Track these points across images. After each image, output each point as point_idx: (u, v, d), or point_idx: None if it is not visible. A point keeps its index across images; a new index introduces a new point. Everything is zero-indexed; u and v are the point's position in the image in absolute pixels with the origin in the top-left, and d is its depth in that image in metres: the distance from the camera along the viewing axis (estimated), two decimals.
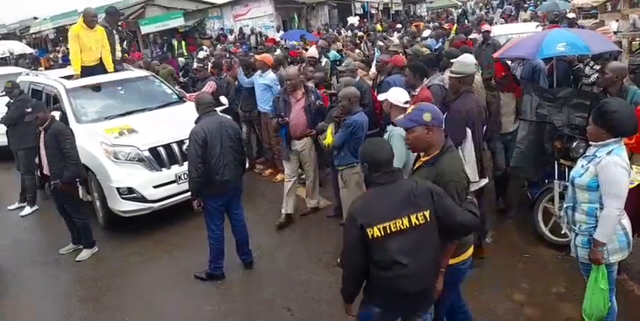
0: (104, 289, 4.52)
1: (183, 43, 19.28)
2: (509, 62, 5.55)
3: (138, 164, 5.37)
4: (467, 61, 4.18)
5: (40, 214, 6.44)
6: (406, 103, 3.66)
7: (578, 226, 2.86)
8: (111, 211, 5.42)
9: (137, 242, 5.33)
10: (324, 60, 8.66)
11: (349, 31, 17.60)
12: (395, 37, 13.53)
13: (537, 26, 9.78)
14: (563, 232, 4.16)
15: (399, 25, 18.38)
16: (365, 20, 23.40)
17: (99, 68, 6.91)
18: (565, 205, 3.02)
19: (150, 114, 6.27)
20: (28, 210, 6.48)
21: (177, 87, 8.58)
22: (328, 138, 4.54)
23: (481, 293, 3.90)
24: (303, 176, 5.66)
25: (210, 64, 9.20)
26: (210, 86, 7.81)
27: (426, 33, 11.90)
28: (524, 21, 16.24)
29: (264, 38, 17.64)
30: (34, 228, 6.18)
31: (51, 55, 20.18)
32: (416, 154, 2.89)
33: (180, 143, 5.53)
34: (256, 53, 9.29)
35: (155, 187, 5.39)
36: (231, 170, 4.24)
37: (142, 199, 5.33)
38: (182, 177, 5.44)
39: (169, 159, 5.51)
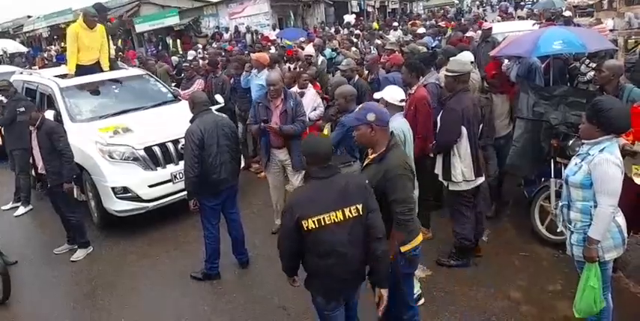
0: (99, 289, 4.50)
1: (178, 41, 19.21)
2: (506, 61, 5.55)
3: (133, 163, 5.33)
4: (463, 59, 4.17)
5: (35, 214, 6.40)
6: (402, 101, 3.64)
7: (574, 224, 2.86)
8: (106, 211, 5.39)
9: (132, 242, 5.31)
10: (320, 58, 8.64)
11: (345, 30, 17.56)
12: (392, 36, 13.53)
13: (534, 24, 9.79)
14: (559, 230, 4.17)
15: (395, 23, 18.35)
16: (361, 18, 23.36)
17: (95, 67, 6.87)
18: (560, 204, 3.02)
19: (145, 113, 6.23)
20: (22, 210, 6.44)
21: (173, 85, 8.54)
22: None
23: (477, 291, 3.90)
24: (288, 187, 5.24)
25: (196, 63, 9.19)
26: (199, 84, 7.79)
27: (421, 30, 11.89)
28: (520, 18, 16.24)
29: (259, 36, 17.58)
30: (29, 228, 6.14)
31: (45, 54, 20.05)
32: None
33: (175, 142, 5.50)
34: (253, 52, 9.27)
35: (150, 186, 5.36)
36: (228, 169, 4.22)
37: (137, 198, 5.30)
38: (177, 176, 5.41)
39: (165, 158, 5.48)
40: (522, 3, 27.70)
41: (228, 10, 22.26)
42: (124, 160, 5.32)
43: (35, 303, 4.39)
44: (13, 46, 20.49)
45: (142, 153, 5.36)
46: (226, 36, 19.79)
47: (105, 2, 14.28)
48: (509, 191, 5.31)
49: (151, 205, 5.38)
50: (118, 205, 5.26)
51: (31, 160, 5.33)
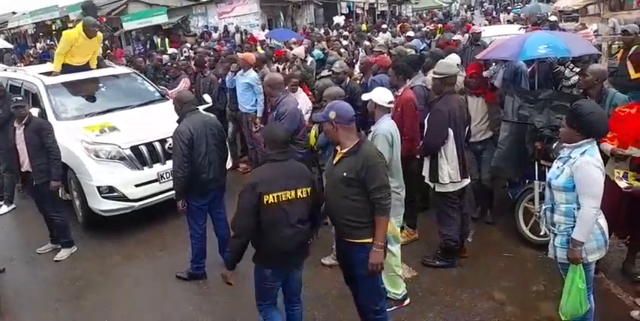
0: (83, 289, 4.45)
1: (166, 40, 19.05)
2: (493, 64, 5.61)
3: (119, 163, 5.28)
4: (450, 62, 4.21)
5: (18, 212, 6.31)
6: (390, 103, 3.67)
7: (557, 227, 2.90)
8: (91, 211, 5.33)
9: (117, 241, 5.26)
10: (309, 59, 8.65)
11: (334, 31, 17.59)
12: (380, 38, 13.58)
13: (520, 28, 9.91)
14: (542, 232, 4.23)
15: (384, 26, 18.44)
16: (350, 20, 23.43)
17: (82, 66, 6.78)
18: (544, 207, 3.07)
19: (132, 112, 6.18)
20: (4, 209, 6.34)
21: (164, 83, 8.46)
22: (311, 139, 4.54)
23: (463, 292, 3.94)
24: None
25: (184, 62, 9.13)
26: (184, 82, 7.75)
27: (410, 33, 11.96)
28: (509, 22, 16.44)
29: (248, 36, 17.53)
30: (11, 227, 6.05)
31: (30, 51, 19.75)
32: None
33: (162, 142, 5.46)
34: (241, 52, 9.25)
35: (137, 185, 5.32)
36: (216, 169, 4.21)
37: (123, 198, 5.25)
38: (164, 176, 5.38)
39: (151, 157, 5.44)
40: (509, 7, 28.04)
41: (217, 10, 22.15)
42: (110, 159, 5.27)
43: (18, 303, 4.32)
44: (0, 43, 20.16)
45: (129, 152, 5.31)
46: (215, 35, 19.69)
47: (92, 0, 14.15)
48: (491, 197, 5.36)
49: (137, 204, 5.33)
50: (103, 205, 5.21)
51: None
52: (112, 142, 5.31)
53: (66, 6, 22.92)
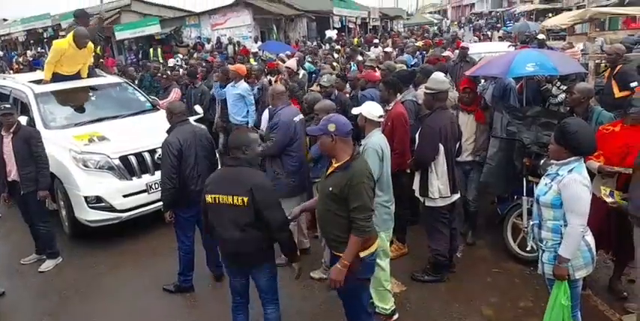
0: (69, 301, 4.37)
1: (159, 50, 19.08)
2: (482, 81, 5.69)
3: (107, 173, 5.24)
4: (442, 77, 4.26)
5: (3, 222, 6.20)
6: (380, 117, 3.69)
7: (545, 243, 2.93)
8: (77, 221, 5.26)
9: (104, 253, 5.18)
10: (301, 72, 8.71)
11: (327, 45, 17.76)
12: (372, 52, 13.73)
13: (509, 46, 10.10)
14: (528, 248, 4.26)
15: (376, 40, 18.66)
16: (343, 34, 23.67)
17: (73, 76, 6.74)
18: (531, 223, 3.09)
19: (121, 121, 6.15)
20: None
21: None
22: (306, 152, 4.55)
23: (451, 307, 3.93)
24: None
25: (176, 73, 9.16)
26: (175, 93, 7.76)
27: (388, 49, 12.04)
28: (500, 39, 16.74)
29: (241, 48, 17.63)
30: None
31: (20, 59, 19.64)
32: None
33: (152, 152, 5.43)
34: (233, 63, 9.30)
35: (125, 196, 5.27)
36: (205, 180, 4.17)
37: (111, 208, 5.19)
38: (153, 186, 5.34)
39: (140, 168, 5.40)
40: (498, 25, 28.55)
41: (210, 21, 22.29)
42: (99, 168, 5.22)
43: (1, 315, 4.23)
44: None
45: (117, 162, 5.27)
46: (208, 47, 19.78)
47: (86, 8, 14.14)
48: (482, 209, 5.40)
49: (124, 215, 5.28)
50: (90, 215, 5.14)
51: None
52: (101, 152, 5.27)
53: (58, 14, 22.94)
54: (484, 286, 4.22)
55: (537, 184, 3.75)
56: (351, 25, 26.43)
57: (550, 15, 20.33)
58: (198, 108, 6.93)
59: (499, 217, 4.81)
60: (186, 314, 4.09)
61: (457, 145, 4.24)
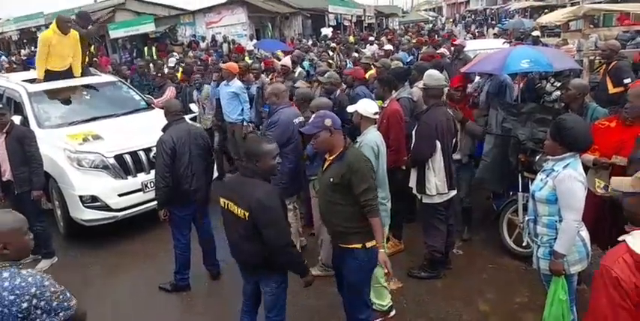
0: None
1: (153, 49, 19.00)
2: (477, 78, 5.69)
3: (102, 172, 5.22)
4: (438, 74, 4.26)
5: None
6: (375, 114, 3.69)
7: (540, 238, 2.94)
8: (72, 220, 5.24)
9: (99, 252, 5.17)
10: (298, 69, 8.68)
11: (322, 42, 17.73)
12: (367, 50, 13.73)
13: (503, 43, 10.11)
14: (524, 243, 4.27)
15: (371, 38, 18.64)
16: (338, 32, 23.64)
17: (66, 73, 6.71)
18: (527, 218, 3.10)
19: (116, 120, 6.13)
20: None
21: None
22: None
23: (448, 303, 3.95)
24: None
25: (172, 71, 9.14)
26: (170, 91, 7.74)
27: (387, 46, 12.08)
28: (495, 37, 16.75)
29: (236, 46, 17.58)
30: None
31: (13, 58, 19.52)
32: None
33: (147, 151, 5.41)
34: (228, 61, 9.27)
35: (120, 195, 5.25)
36: (200, 179, 4.17)
37: (106, 207, 5.18)
38: (148, 185, 5.32)
39: (136, 167, 5.38)
40: (493, 22, 28.58)
41: (205, 19, 22.20)
42: (94, 168, 5.21)
43: None
44: None
45: (112, 161, 5.26)
46: (203, 45, 19.70)
47: (79, 7, 14.10)
48: (478, 205, 5.41)
49: (120, 214, 5.26)
50: (85, 215, 5.13)
51: None
52: (96, 151, 5.25)
53: (51, 13, 22.77)
54: (480, 282, 4.24)
55: (533, 180, 3.77)
56: (347, 23, 26.35)
57: (546, 11, 20.35)
58: (193, 106, 6.91)
59: (495, 213, 4.82)
60: (183, 313, 4.08)
61: (453, 142, 4.24)
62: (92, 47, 7.78)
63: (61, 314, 2.04)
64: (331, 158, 3.02)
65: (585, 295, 3.83)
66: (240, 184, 2.87)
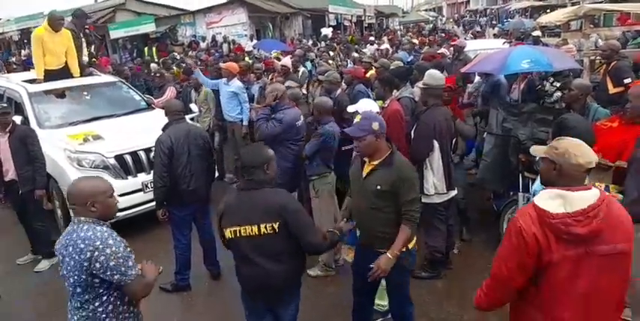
0: (64, 301, 4.33)
1: (153, 49, 19.01)
2: (477, 78, 5.68)
3: (103, 172, 5.21)
4: (438, 73, 4.26)
5: None
6: (377, 113, 3.69)
7: None
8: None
9: None
10: (301, 69, 8.69)
11: (322, 42, 17.74)
12: (367, 50, 13.73)
13: (504, 43, 10.11)
14: None
15: (371, 38, 18.65)
16: (338, 32, 23.66)
17: (64, 72, 6.72)
18: None
19: (116, 120, 6.13)
20: None
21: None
22: None
23: (449, 303, 3.95)
24: None
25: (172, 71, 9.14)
26: (171, 91, 7.75)
27: (385, 45, 12.10)
28: (495, 37, 16.75)
29: (236, 46, 17.59)
30: None
31: (13, 58, 19.53)
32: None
33: (147, 151, 5.41)
34: (226, 61, 9.27)
35: (120, 195, 5.22)
36: (199, 179, 4.16)
37: None
38: (149, 185, 5.32)
39: (136, 167, 5.39)
40: (494, 22, 28.60)
41: (205, 20, 22.21)
42: (94, 168, 5.21)
43: None
44: None
45: (113, 161, 5.26)
46: (203, 45, 19.71)
47: (80, 7, 14.08)
48: (478, 205, 5.41)
49: (120, 214, 5.23)
50: None
51: None
52: (96, 151, 5.26)
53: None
54: (480, 282, 4.22)
55: (533, 180, 3.76)
56: (347, 23, 26.39)
57: (547, 11, 20.35)
58: (193, 106, 6.91)
59: (495, 214, 4.82)
60: (184, 313, 4.08)
61: (453, 142, 4.24)
62: (92, 47, 7.79)
63: (116, 277, 2.21)
64: (374, 163, 2.89)
65: None
66: (250, 201, 2.57)
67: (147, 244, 5.28)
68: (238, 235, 2.55)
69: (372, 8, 31.03)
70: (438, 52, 9.41)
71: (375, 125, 2.83)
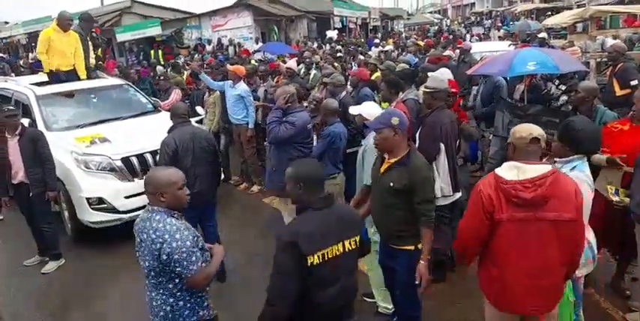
0: (71, 302, 4.38)
1: (160, 52, 19.12)
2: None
3: (109, 174, 5.25)
4: (440, 76, 4.25)
5: (5, 225, 6.22)
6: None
7: None
8: (79, 222, 5.27)
9: (106, 253, 5.19)
10: (312, 72, 8.71)
11: (327, 45, 17.76)
12: (372, 52, 13.73)
13: (510, 45, 10.09)
14: None
15: (376, 40, 18.67)
16: (343, 34, 23.69)
17: (72, 74, 6.78)
18: None
19: (123, 123, 6.17)
20: None
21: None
22: None
23: (453, 304, 3.93)
24: None
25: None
26: (176, 94, 7.78)
27: (388, 47, 12.11)
28: (500, 39, 16.71)
29: (241, 49, 17.66)
30: None
31: (21, 61, 19.68)
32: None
33: (154, 153, 5.42)
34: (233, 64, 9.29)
35: (127, 197, 5.28)
36: (204, 182, 4.17)
37: (113, 209, 5.20)
38: None
39: (142, 169, 5.41)
40: (499, 24, 28.53)
41: (211, 23, 22.30)
42: (100, 170, 5.24)
43: (4, 316, 4.24)
44: None
45: (119, 163, 5.29)
46: (209, 48, 19.79)
47: (87, 11, 14.22)
48: None
49: (127, 216, 5.28)
50: (92, 216, 5.16)
51: None
52: (103, 153, 5.29)
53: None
54: None
55: None
56: (352, 26, 26.43)
57: (553, 13, 20.30)
58: (199, 109, 6.94)
59: None
60: None
61: (457, 144, 4.24)
62: (99, 50, 7.86)
63: (178, 269, 2.34)
64: (392, 161, 2.92)
65: (592, 298, 3.82)
66: (328, 219, 2.33)
67: None
68: (326, 258, 2.27)
69: (376, 10, 31.05)
70: (444, 54, 9.40)
71: (395, 120, 2.86)
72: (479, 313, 3.79)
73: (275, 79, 8.11)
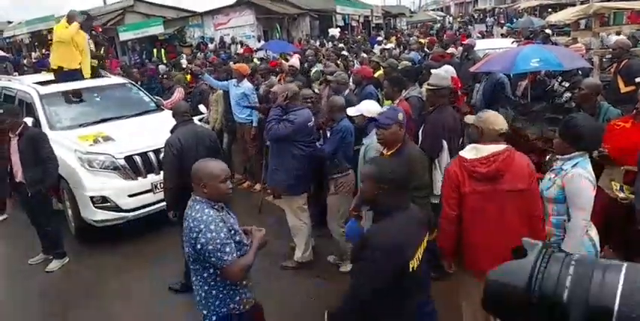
0: (75, 301, 4.39)
1: (162, 50, 19.13)
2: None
3: (113, 173, 5.26)
4: (444, 74, 4.24)
5: (9, 223, 6.25)
6: (380, 114, 3.69)
7: (548, 238, 2.91)
8: (83, 221, 5.29)
9: (109, 252, 5.21)
10: (314, 68, 8.70)
11: (330, 43, 17.74)
12: (376, 50, 13.70)
13: (513, 42, 10.05)
14: None
15: (379, 38, 18.62)
16: (346, 32, 23.65)
17: (76, 74, 6.81)
18: None
19: (126, 122, 6.18)
20: None
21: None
22: None
23: (455, 302, 3.91)
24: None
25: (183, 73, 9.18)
26: (179, 92, 7.79)
27: (390, 45, 12.08)
28: (503, 36, 16.66)
29: (244, 47, 17.65)
30: (2, 237, 5.99)
31: (24, 61, 19.73)
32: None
33: (157, 152, 5.44)
34: (236, 62, 9.31)
35: (130, 196, 5.29)
36: None
37: (117, 208, 5.22)
38: (158, 186, 5.35)
39: (145, 167, 5.42)
40: (502, 21, 28.46)
41: (213, 21, 22.31)
42: (104, 169, 5.25)
43: (7, 315, 4.26)
44: None
45: (123, 162, 5.30)
46: (211, 46, 19.80)
47: (89, 10, 14.25)
48: None
49: (130, 215, 5.30)
50: (96, 215, 5.17)
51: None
52: (106, 152, 5.30)
53: (62, 16, 23.00)
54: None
55: (541, 179, 3.73)
56: (354, 23, 26.37)
57: (557, 10, 20.19)
58: (202, 107, 6.95)
59: None
60: (193, 313, 4.09)
61: (460, 141, 4.23)
62: (102, 49, 7.88)
63: (212, 259, 2.39)
64: (388, 153, 3.18)
65: None
66: (411, 219, 2.21)
67: (157, 244, 5.32)
68: (419, 262, 2.15)
69: (379, 8, 30.97)
70: (447, 51, 9.37)
71: (400, 116, 3.12)
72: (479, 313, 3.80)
73: (278, 78, 8.11)
